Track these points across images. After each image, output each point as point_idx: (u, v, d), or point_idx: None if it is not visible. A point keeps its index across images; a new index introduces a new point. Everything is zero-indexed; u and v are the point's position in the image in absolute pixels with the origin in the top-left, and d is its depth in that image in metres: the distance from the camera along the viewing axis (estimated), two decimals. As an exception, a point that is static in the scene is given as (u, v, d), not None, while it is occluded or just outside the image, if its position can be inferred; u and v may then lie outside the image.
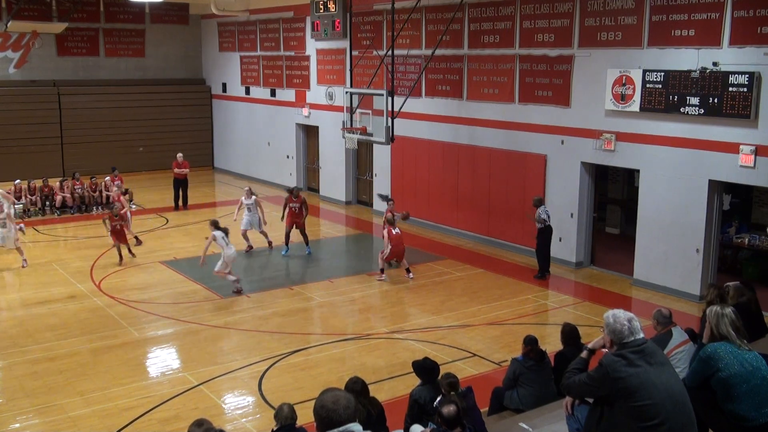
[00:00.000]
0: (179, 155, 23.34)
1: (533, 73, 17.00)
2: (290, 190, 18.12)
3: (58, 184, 22.99)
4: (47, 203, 22.50)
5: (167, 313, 13.70)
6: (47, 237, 19.65)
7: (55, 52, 27.89)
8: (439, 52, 18.46)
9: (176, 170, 23.01)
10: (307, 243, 17.98)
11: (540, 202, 15.76)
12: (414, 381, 8.19)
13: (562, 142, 16.48)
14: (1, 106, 26.37)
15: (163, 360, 12.03)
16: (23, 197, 22.02)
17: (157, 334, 12.89)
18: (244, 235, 18.02)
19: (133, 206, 23.24)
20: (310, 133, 25.28)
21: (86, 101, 27.94)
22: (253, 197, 18.17)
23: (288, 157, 25.97)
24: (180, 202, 23.13)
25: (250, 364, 11.40)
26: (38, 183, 22.61)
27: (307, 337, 12.66)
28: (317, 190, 25.00)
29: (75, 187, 22.80)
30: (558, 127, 16.55)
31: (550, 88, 16.62)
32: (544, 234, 15.67)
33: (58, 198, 22.43)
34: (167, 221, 21.45)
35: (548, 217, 15.63)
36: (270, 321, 13.29)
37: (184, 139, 29.76)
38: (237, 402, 10.40)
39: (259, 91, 27.18)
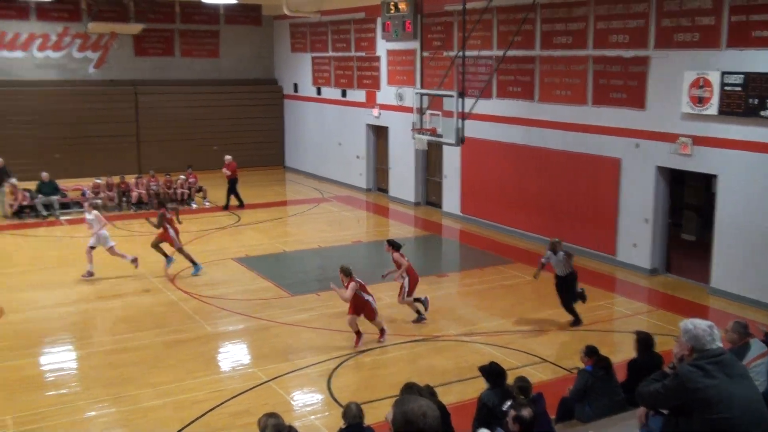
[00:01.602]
0: (227, 157, 23.64)
1: (607, 75, 16.70)
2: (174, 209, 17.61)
3: (134, 180, 23.64)
4: (124, 199, 23.14)
5: (238, 309, 13.93)
6: (123, 232, 20.19)
7: (132, 52, 28.66)
8: (510, 53, 18.31)
9: (224, 171, 23.33)
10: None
11: (557, 245, 12.99)
12: (482, 385, 8.14)
13: (637, 146, 16.14)
14: (81, 105, 27.26)
15: (234, 355, 12.26)
16: (101, 193, 22.69)
17: (228, 330, 13.13)
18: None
19: (207, 203, 23.74)
20: (380, 134, 25.37)
21: (162, 100, 28.64)
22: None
23: (358, 157, 26.13)
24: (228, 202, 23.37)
25: (319, 362, 11.50)
26: (116, 179, 23.28)
27: (375, 337, 12.69)
28: (386, 191, 25.08)
29: (150, 183, 23.39)
30: (632, 130, 16.22)
31: (625, 90, 16.30)
32: (568, 281, 13.09)
33: (134, 194, 23.05)
34: (239, 219, 21.82)
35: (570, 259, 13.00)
36: (339, 320, 13.36)
37: (256, 138, 30.30)
38: (306, 399, 10.51)
39: (330, 92, 27.41)
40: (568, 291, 13.01)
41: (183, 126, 28.85)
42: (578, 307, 13.18)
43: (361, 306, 12.07)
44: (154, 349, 12.09)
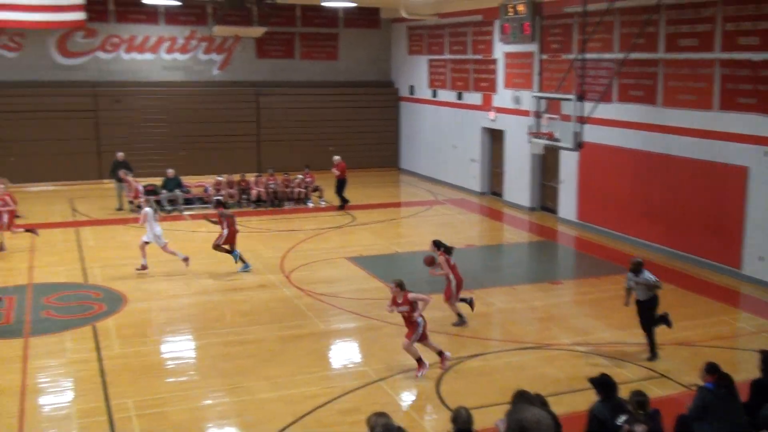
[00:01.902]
0: (335, 157, 23.94)
1: (735, 79, 15.97)
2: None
3: (254, 179, 24.37)
4: (243, 196, 23.89)
5: (351, 308, 14.13)
6: (242, 228, 20.78)
7: (254, 55, 29.59)
8: (632, 55, 17.79)
9: (333, 171, 23.63)
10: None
11: (640, 266, 11.83)
12: (594, 397, 7.94)
13: (766, 154, 15.37)
14: (205, 105, 28.39)
15: (345, 353, 12.45)
16: (222, 190, 23.51)
17: (340, 327, 13.35)
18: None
19: (322, 203, 24.19)
20: (495, 137, 25.18)
21: (281, 101, 29.43)
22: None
23: (473, 160, 26.01)
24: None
25: (429, 365, 11.51)
26: (236, 177, 24.08)
27: (485, 342, 12.62)
28: (500, 195, 24.86)
29: (269, 182, 24.05)
30: (761, 137, 15.45)
31: (755, 95, 15.54)
32: (648, 306, 11.93)
33: (254, 192, 23.76)
34: (354, 218, 22.13)
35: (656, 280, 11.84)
36: (449, 323, 13.36)
37: (372, 140, 30.70)
38: (414, 401, 10.55)
39: (446, 94, 27.42)
40: (646, 317, 11.83)
41: (301, 126, 29.55)
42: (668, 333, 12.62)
43: (412, 326, 11.09)
44: (269, 343, 12.43)
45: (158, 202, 22.85)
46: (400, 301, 11.08)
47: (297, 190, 24.16)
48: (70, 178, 26.68)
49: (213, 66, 29.17)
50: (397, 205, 25.17)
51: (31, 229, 18.63)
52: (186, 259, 16.57)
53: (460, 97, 26.57)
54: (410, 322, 11.10)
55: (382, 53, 31.47)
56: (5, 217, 18.07)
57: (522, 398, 7.04)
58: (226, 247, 16.66)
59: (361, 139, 30.46)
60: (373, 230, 20.78)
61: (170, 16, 28.22)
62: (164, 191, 23.08)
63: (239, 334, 12.85)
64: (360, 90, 30.71)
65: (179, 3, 26.78)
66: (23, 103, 26.43)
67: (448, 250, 13.36)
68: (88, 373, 11.17)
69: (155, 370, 11.43)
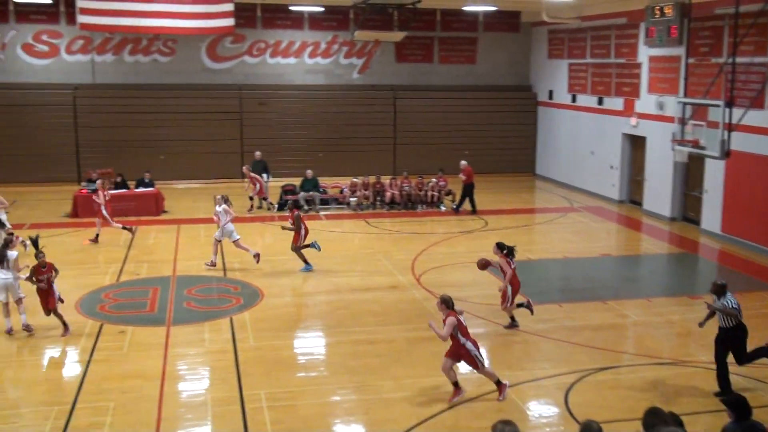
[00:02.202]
0: (462, 162, 23.73)
1: None
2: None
3: (388, 181, 24.67)
4: (378, 198, 24.22)
5: (480, 313, 14.04)
6: (376, 230, 21.15)
7: (393, 59, 29.97)
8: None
9: (460, 176, 23.51)
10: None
11: (723, 289, 10.64)
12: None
13: None
14: (344, 108, 29.04)
15: (472, 358, 12.37)
16: (357, 191, 23.94)
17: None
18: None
19: (442, 207, 24.11)
20: (636, 144, 24.34)
21: (418, 105, 29.65)
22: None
23: (611, 167, 25.27)
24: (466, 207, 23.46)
25: (557, 375, 11.28)
26: (371, 179, 24.44)
27: (618, 355, 12.22)
28: (640, 204, 24.00)
29: (403, 185, 24.27)
30: None
31: None
32: (731, 335, 10.68)
33: (388, 194, 24.04)
34: (486, 223, 21.98)
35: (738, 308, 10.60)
36: (580, 333, 13.04)
37: (508, 145, 30.44)
38: (541, 411, 10.36)
39: (586, 99, 26.77)
40: (735, 347, 10.66)
41: (437, 130, 29.67)
42: None
43: (456, 350, 10.38)
44: (397, 344, 12.54)
45: (295, 202, 23.54)
46: (442, 319, 10.32)
47: (430, 193, 24.25)
48: (214, 176, 27.96)
49: (353, 70, 29.79)
50: (531, 211, 24.80)
51: (128, 227, 19.60)
52: (257, 256, 17.00)
53: (600, 102, 25.87)
54: (457, 344, 10.30)
55: (521, 57, 31.11)
56: (104, 211, 19.10)
57: (655, 416, 6.75)
58: (304, 243, 16.99)
59: (497, 143, 30.28)
60: (505, 236, 20.46)
61: (314, 21, 29.05)
62: (302, 191, 23.73)
63: (369, 334, 13.03)
64: (498, 94, 30.49)
65: (322, 9, 27.52)
66: (174, 104, 27.98)
67: (510, 253, 13.19)
68: (224, 363, 11.65)
69: (287, 364, 11.78)
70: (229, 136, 28.38)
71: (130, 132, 27.54)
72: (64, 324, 12.83)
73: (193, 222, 21.53)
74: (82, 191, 22.59)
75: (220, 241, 17.22)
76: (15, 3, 26.58)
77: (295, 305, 14.76)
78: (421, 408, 10.16)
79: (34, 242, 13.37)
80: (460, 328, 10.22)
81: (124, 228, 19.41)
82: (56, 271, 12.98)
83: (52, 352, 12.36)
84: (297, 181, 24.35)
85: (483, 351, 12.19)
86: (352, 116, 29.11)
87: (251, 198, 23.70)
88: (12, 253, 13.00)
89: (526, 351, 12.40)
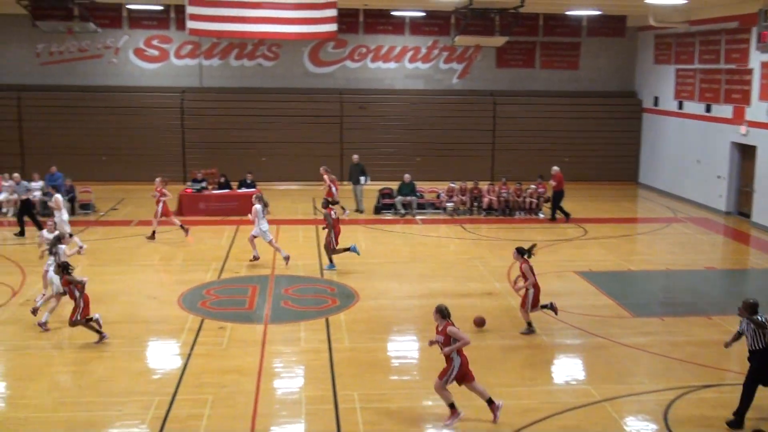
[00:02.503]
0: (554, 168, 23.22)
1: None
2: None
3: (486, 187, 24.47)
4: (475, 204, 24.07)
5: (577, 324, 13.76)
6: (472, 235, 21.02)
7: (494, 64, 29.77)
8: None
9: (550, 182, 23.06)
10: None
11: (755, 309, 9.92)
12: None
13: None
14: (443, 113, 29.06)
15: (568, 369, 12.13)
16: (454, 197, 23.86)
17: (565, 343, 13.04)
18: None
19: (540, 215, 23.69)
20: (745, 153, 23.36)
21: (518, 111, 29.35)
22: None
23: (719, 177, 24.32)
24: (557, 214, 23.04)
25: (657, 390, 10.94)
26: (469, 185, 24.31)
27: (722, 372, 11.74)
28: (748, 216, 23.00)
29: (501, 191, 24.03)
30: None
31: None
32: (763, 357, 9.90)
33: (486, 200, 23.86)
34: (585, 232, 21.53)
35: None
36: (682, 349, 12.60)
37: (610, 152, 29.78)
38: (640, 427, 10.03)
39: (693, 106, 25.87)
40: (754, 370, 9.92)
41: (537, 136, 29.29)
42: None
43: (448, 364, 9.86)
44: (490, 351, 12.42)
45: (392, 206, 23.66)
46: (439, 330, 9.89)
47: (529, 200, 23.93)
48: (313, 179, 28.40)
49: (453, 75, 29.75)
50: (633, 220, 24.14)
51: (184, 227, 20.04)
52: (287, 258, 17.24)
53: (708, 109, 24.95)
54: (447, 358, 9.87)
55: (626, 62, 30.33)
56: (160, 207, 19.71)
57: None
58: (342, 246, 17.23)
59: (599, 150, 29.64)
60: (605, 245, 20.07)
61: (415, 26, 29.18)
62: (399, 195, 23.83)
63: (462, 340, 12.94)
64: (600, 100, 29.83)
65: (424, 14, 27.58)
66: (276, 107, 28.63)
67: (529, 256, 13.20)
68: (319, 363, 11.82)
69: (381, 367, 11.85)
70: (329, 140, 28.79)
71: (233, 134, 28.36)
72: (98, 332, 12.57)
73: (292, 223, 21.94)
74: (187, 190, 23.38)
75: (255, 237, 17.64)
76: (128, 9, 27.79)
77: (389, 308, 14.81)
78: (514, 417, 10.03)
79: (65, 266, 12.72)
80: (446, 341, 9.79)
81: (182, 227, 20.00)
82: (77, 288, 12.46)
83: (156, 344, 12.85)
84: (394, 185, 24.47)
85: (579, 361, 11.95)
86: (450, 121, 29.06)
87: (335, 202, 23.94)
88: (62, 247, 13.73)
89: (624, 364, 12.05)
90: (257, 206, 17.41)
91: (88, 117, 27.93)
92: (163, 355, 12.50)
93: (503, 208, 23.80)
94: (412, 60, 29.55)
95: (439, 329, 9.91)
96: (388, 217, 23.42)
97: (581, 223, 22.54)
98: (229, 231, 20.47)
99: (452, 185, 24.39)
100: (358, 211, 23.88)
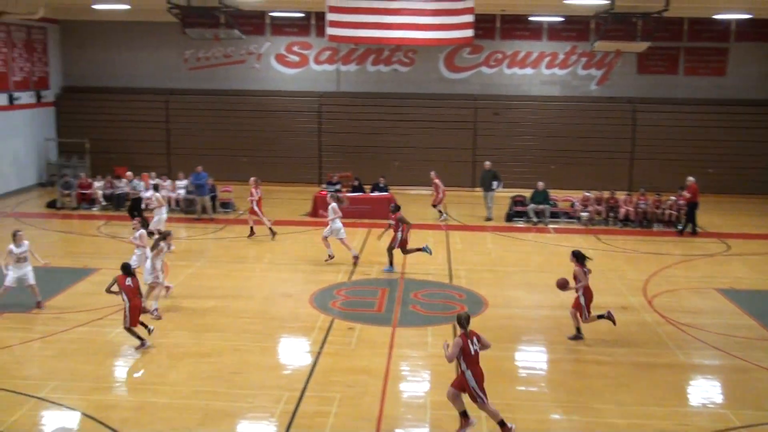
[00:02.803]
0: (689, 179, 22.05)
1: None
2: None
3: (623, 197, 23.72)
4: (611, 214, 23.38)
5: (716, 344, 13.10)
6: (606, 246, 20.43)
7: (634, 70, 28.89)
8: None
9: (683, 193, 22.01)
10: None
11: None
12: None
13: None
14: (579, 121, 28.45)
15: (705, 391, 11.54)
16: (589, 206, 23.27)
17: (702, 363, 12.44)
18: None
19: (680, 227, 22.66)
20: None
21: (660, 119, 28.31)
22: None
23: None
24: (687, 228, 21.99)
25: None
26: (605, 194, 23.64)
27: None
28: None
29: (639, 201, 23.22)
30: None
31: None
32: None
33: (622, 211, 23.13)
34: (729, 247, 20.46)
35: None
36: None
37: (758, 163, 28.18)
38: (783, 455, 9.48)
39: None
40: None
41: (678, 145, 28.14)
42: None
43: (459, 377, 9.61)
44: (623, 368, 12.03)
45: (525, 213, 23.34)
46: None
47: (668, 212, 22.99)
48: (445, 184, 28.41)
49: (591, 81, 29.07)
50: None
51: (271, 229, 20.33)
52: (356, 257, 17.69)
53: None
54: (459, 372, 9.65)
55: (779, 69, 28.69)
56: (255, 207, 20.26)
57: None
58: (413, 247, 17.44)
59: (745, 161, 28.13)
60: (750, 262, 19.00)
61: (553, 32, 28.72)
62: (532, 203, 23.48)
63: (593, 354, 12.62)
64: (749, 109, 28.31)
65: (562, 19, 27.08)
66: (410, 112, 28.92)
67: (582, 260, 13.09)
68: (445, 369, 11.74)
69: (508, 376, 11.70)
70: (462, 146, 28.76)
71: (368, 138, 28.83)
72: (140, 338, 12.47)
73: (421, 228, 21.98)
74: (322, 192, 23.94)
75: (326, 237, 17.85)
76: (271, 17, 28.80)
77: (518, 317, 14.61)
78: (645, 437, 9.69)
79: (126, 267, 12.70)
80: (464, 353, 9.45)
81: (270, 228, 20.40)
82: (125, 291, 12.22)
83: (288, 341, 13.24)
84: (527, 193, 24.13)
85: (717, 384, 11.41)
86: (587, 128, 28.38)
87: (434, 206, 23.82)
88: (140, 232, 14.79)
89: (767, 389, 11.39)
90: (333, 204, 17.81)
91: (230, 120, 29.17)
92: (294, 352, 12.87)
93: (640, 220, 22.98)
94: (549, 66, 29.10)
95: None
96: (520, 225, 23.12)
97: (724, 238, 21.45)
98: (361, 233, 20.81)
99: (587, 194, 23.80)
100: (487, 219, 23.66)
